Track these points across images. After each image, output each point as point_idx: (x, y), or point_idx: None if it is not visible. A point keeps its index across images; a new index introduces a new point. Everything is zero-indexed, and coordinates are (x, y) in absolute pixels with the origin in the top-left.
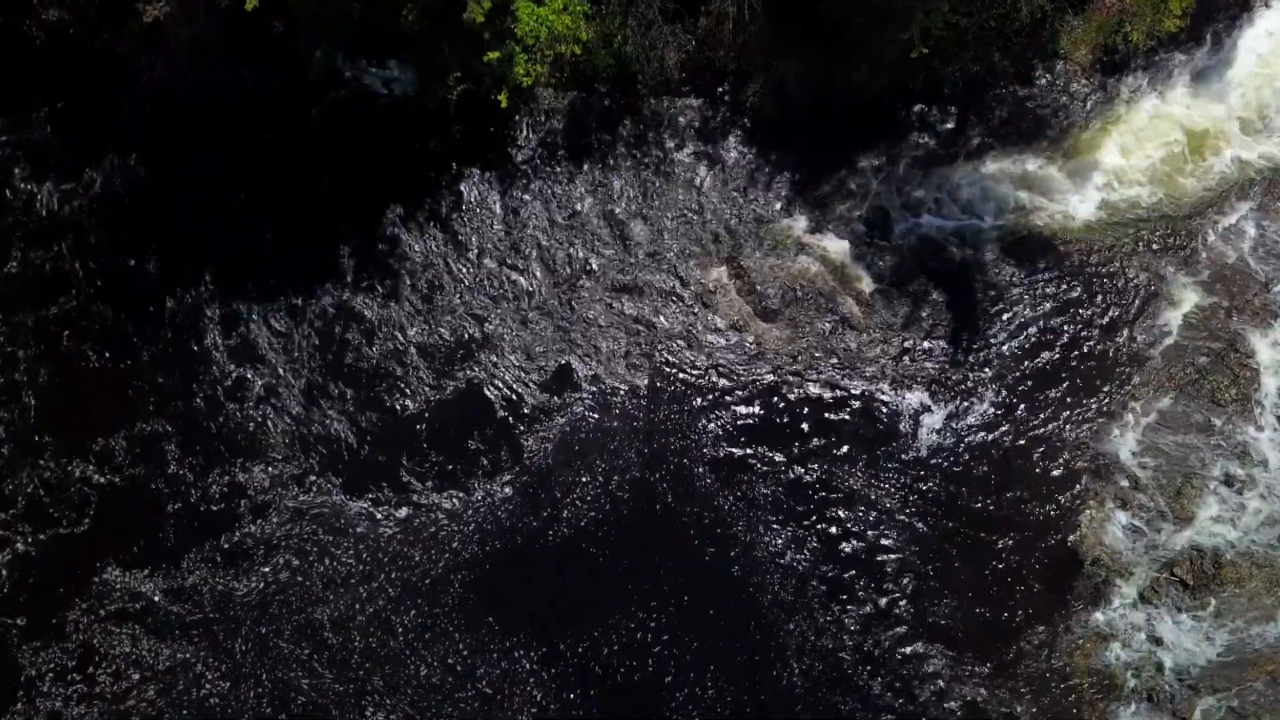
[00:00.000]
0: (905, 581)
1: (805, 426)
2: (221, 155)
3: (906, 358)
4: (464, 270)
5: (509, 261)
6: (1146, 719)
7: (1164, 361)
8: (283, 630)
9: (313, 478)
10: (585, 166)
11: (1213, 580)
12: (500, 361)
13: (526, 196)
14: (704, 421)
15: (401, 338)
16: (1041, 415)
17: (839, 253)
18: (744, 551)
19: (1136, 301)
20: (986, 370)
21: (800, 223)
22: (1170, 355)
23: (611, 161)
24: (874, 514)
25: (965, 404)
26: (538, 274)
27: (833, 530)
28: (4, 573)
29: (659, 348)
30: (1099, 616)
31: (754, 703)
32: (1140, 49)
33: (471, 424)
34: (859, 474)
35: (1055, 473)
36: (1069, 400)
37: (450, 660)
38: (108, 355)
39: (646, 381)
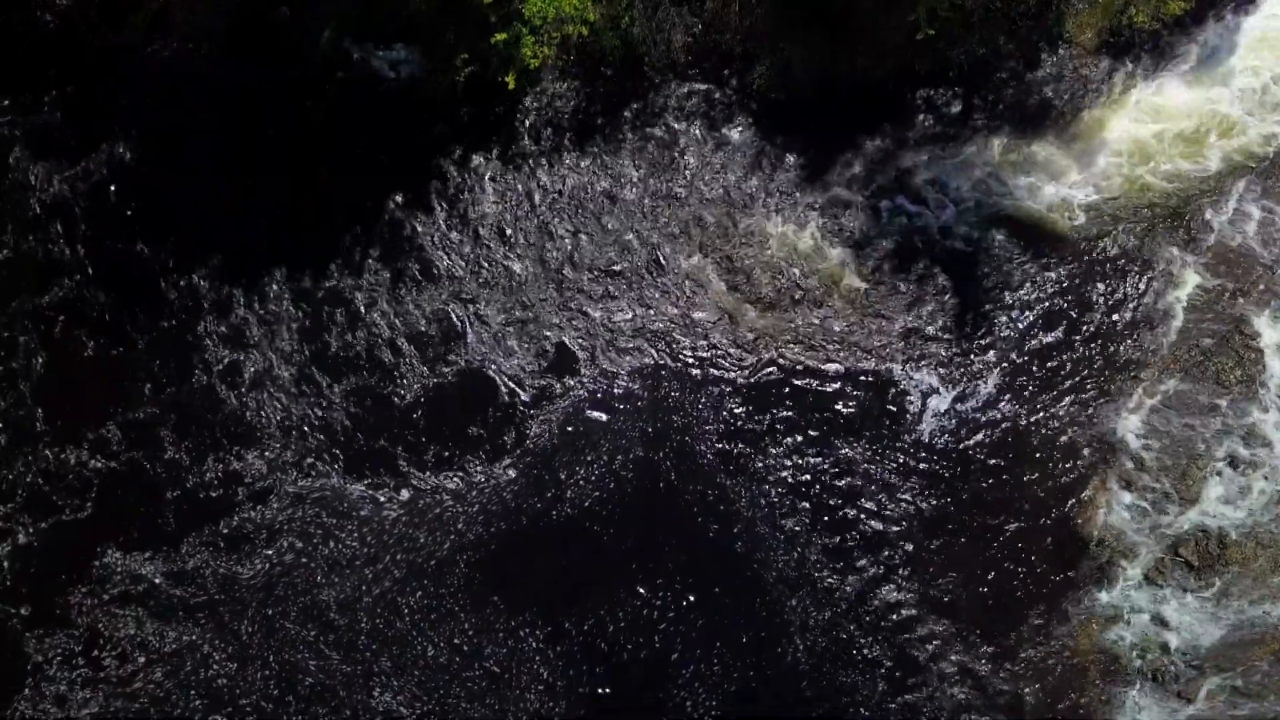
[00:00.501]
0: (909, 561)
1: (811, 407)
2: (221, 143)
3: (911, 339)
4: (467, 252)
5: (511, 244)
6: (1151, 699)
7: (1169, 344)
8: (289, 611)
9: (315, 461)
10: (591, 149)
11: (1218, 561)
12: (500, 343)
13: (532, 180)
14: (708, 402)
15: (401, 321)
16: (1046, 397)
17: (846, 234)
18: (747, 529)
19: (1141, 284)
20: (991, 352)
21: (807, 205)
22: (1175, 337)
23: (617, 144)
24: (878, 495)
25: (970, 385)
26: (541, 256)
27: (837, 509)
28: (5, 564)
29: (662, 329)
30: (1104, 597)
31: (759, 678)
32: (1145, 31)
33: (474, 405)
34: (864, 455)
35: (1060, 454)
36: (1073, 382)
37: (457, 640)
38: (105, 341)
39: (651, 362)
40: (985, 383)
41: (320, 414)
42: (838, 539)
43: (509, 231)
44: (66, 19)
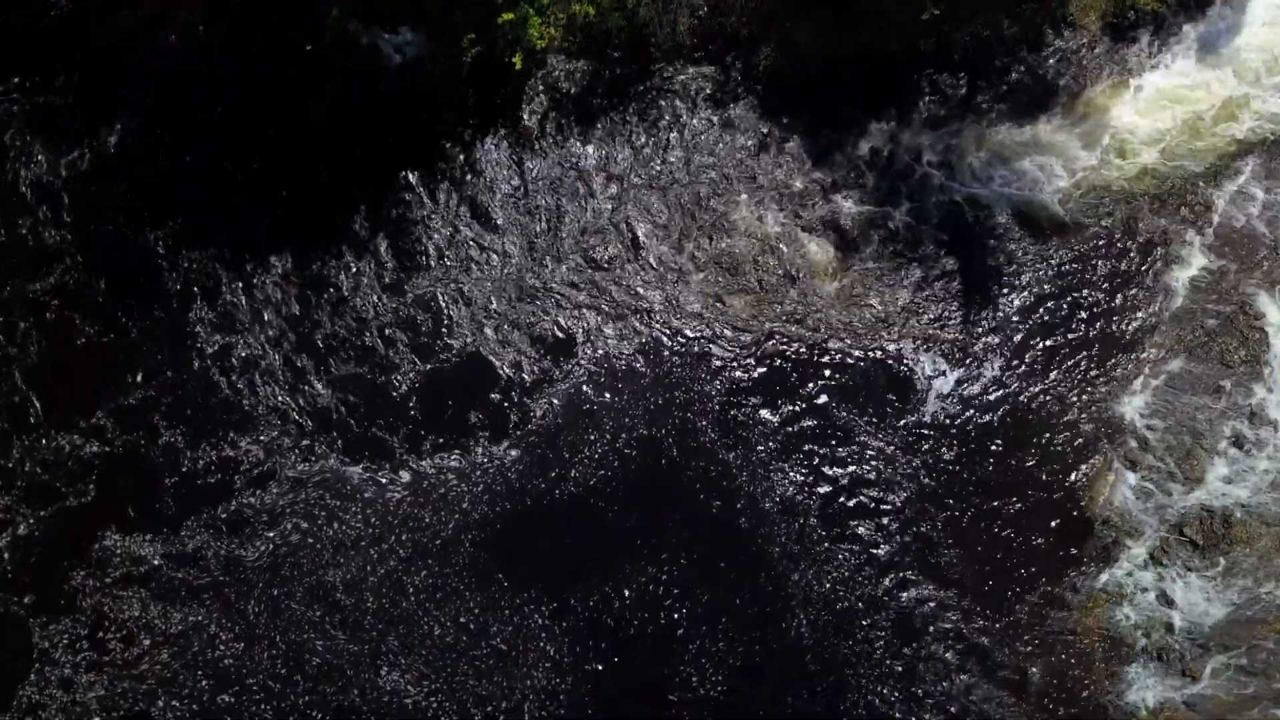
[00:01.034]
0: (914, 540)
1: (816, 388)
2: (220, 131)
3: (916, 320)
4: (469, 236)
5: (514, 227)
6: (1156, 678)
7: (1173, 324)
8: (295, 592)
9: (319, 445)
10: (596, 131)
11: (1222, 540)
12: (501, 326)
13: (536, 162)
14: (709, 378)
15: (399, 304)
16: (1051, 377)
17: (851, 215)
18: (751, 504)
19: (1145, 265)
20: (996, 333)
21: (812, 185)
22: (1179, 318)
23: (623, 125)
24: (883, 474)
25: (975, 365)
26: (544, 238)
27: (841, 488)
28: (5, 552)
29: (663, 309)
30: (1108, 576)
31: (763, 653)
32: (1149, 13)
33: (476, 387)
34: (869, 437)
35: (1065, 434)
36: (1078, 363)
37: (463, 619)
38: (100, 328)
39: (652, 341)
40: (990, 363)
41: (321, 398)
42: (842, 517)
43: (511, 215)
44: (79, 2)
